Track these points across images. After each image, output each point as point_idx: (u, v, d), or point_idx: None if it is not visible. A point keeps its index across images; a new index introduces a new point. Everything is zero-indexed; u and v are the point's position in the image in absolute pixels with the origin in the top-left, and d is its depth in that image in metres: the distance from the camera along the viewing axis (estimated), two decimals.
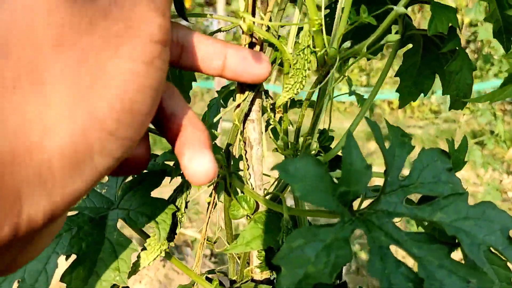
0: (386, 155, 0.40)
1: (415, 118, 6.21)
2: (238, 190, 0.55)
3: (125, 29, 0.28)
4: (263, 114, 0.56)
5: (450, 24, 0.49)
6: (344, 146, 0.36)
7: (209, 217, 0.59)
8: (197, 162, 0.33)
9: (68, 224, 0.49)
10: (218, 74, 0.42)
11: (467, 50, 5.27)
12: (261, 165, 0.57)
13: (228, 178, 0.54)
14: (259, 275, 0.58)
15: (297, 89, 0.41)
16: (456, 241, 0.37)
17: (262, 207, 0.55)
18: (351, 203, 0.37)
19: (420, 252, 0.36)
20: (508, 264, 0.52)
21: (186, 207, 0.52)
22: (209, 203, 0.57)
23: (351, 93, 0.69)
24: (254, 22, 0.43)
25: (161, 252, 0.50)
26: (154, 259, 0.50)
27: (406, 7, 0.48)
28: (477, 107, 4.43)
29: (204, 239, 0.61)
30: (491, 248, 0.40)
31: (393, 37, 0.40)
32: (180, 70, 0.56)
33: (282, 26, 0.54)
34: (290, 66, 0.48)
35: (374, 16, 0.45)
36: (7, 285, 0.45)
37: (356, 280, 2.66)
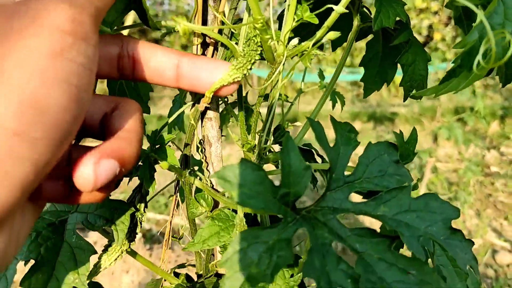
0: (330, 153, 0.41)
1: (399, 97, 6.23)
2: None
3: (30, 23, 0.27)
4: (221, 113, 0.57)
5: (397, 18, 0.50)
6: (282, 149, 0.37)
7: (172, 216, 0.60)
8: (81, 168, 0.31)
9: None
10: (174, 84, 0.41)
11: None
12: (221, 162, 0.58)
13: (186, 177, 0.54)
14: (223, 269, 0.59)
15: (235, 77, 0.41)
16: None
17: (222, 205, 0.56)
18: (293, 203, 0.38)
19: (362, 246, 0.37)
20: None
21: (146, 206, 0.53)
22: (171, 196, 0.58)
23: (320, 73, 0.70)
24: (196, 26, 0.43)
25: (122, 253, 0.51)
26: (115, 260, 0.51)
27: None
28: None
29: (169, 236, 0.62)
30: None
31: (332, 35, 0.41)
32: (135, 84, 0.57)
33: (235, 23, 0.54)
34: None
35: (321, 13, 0.46)
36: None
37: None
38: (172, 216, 0.59)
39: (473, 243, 0.42)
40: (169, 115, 0.59)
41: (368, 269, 0.35)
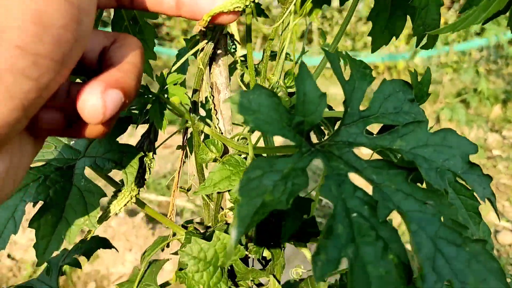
0: (345, 86, 0.40)
1: None
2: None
3: None
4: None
5: None
6: (297, 75, 0.36)
7: (181, 164, 0.59)
8: (88, 97, 0.30)
9: (35, 174, 0.48)
10: (174, 13, 0.40)
11: None
12: (229, 110, 0.57)
13: (195, 123, 0.53)
14: (232, 218, 0.59)
15: (236, 6, 0.40)
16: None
17: (232, 151, 0.56)
18: (307, 133, 0.37)
19: (378, 178, 0.36)
20: (475, 194, 0.52)
21: (154, 152, 0.52)
22: (179, 146, 0.57)
23: (322, 34, 0.68)
24: None
25: (131, 198, 0.51)
26: (125, 205, 0.50)
27: None
28: (461, 65, 4.42)
29: (177, 186, 0.61)
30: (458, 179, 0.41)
31: None
32: (139, 27, 0.55)
33: None
34: None
35: None
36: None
37: None
38: (181, 165, 0.59)
39: (491, 178, 0.41)
40: (176, 60, 0.58)
41: (385, 197, 0.34)
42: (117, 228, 2.70)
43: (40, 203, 0.47)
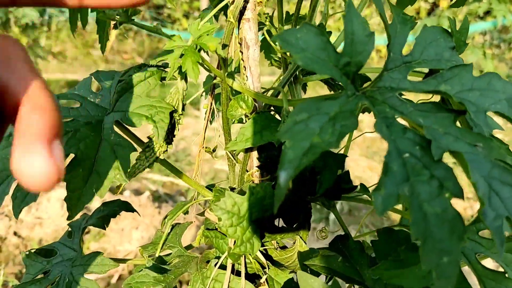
0: (389, 29, 0.39)
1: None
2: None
3: None
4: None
5: None
6: (345, 14, 0.35)
7: (207, 123, 0.58)
8: (26, 162, 0.22)
9: (63, 128, 0.47)
10: (76, 4, 0.30)
11: None
12: (258, 67, 0.56)
13: (224, 79, 0.52)
14: (258, 178, 0.58)
15: None
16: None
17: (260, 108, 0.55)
18: (353, 75, 0.36)
19: (426, 121, 0.35)
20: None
21: (183, 109, 0.51)
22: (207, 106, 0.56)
23: None
24: None
25: (159, 155, 0.50)
26: (154, 161, 0.50)
27: None
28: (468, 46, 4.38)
29: (202, 146, 0.60)
30: None
31: None
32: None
33: None
34: None
35: None
36: (5, 186, 0.44)
37: (348, 220, 2.70)
38: (206, 123, 0.58)
39: None
40: (203, 15, 0.56)
41: (436, 138, 0.33)
42: None
43: (70, 157, 0.46)
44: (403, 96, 0.38)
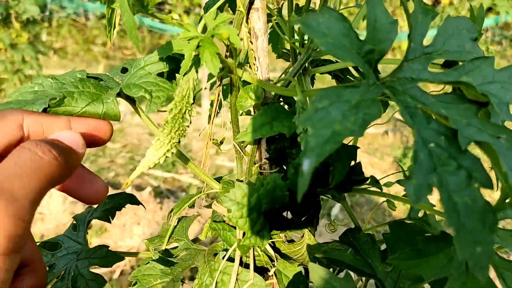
0: (410, 18, 0.38)
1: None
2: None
3: None
4: None
5: None
6: (368, 0, 0.34)
7: (214, 114, 0.57)
8: None
9: None
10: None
11: None
12: (267, 57, 0.55)
13: (235, 69, 0.51)
14: (267, 171, 0.57)
15: None
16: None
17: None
18: (376, 63, 0.35)
19: (448, 112, 0.34)
20: None
21: (193, 101, 0.50)
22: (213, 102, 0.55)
23: None
24: None
25: (171, 147, 0.48)
26: (164, 154, 0.48)
27: None
28: None
29: (210, 138, 0.59)
30: None
31: None
32: None
33: None
34: None
35: None
36: None
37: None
38: (214, 113, 0.57)
39: None
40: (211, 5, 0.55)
41: (460, 129, 0.32)
42: None
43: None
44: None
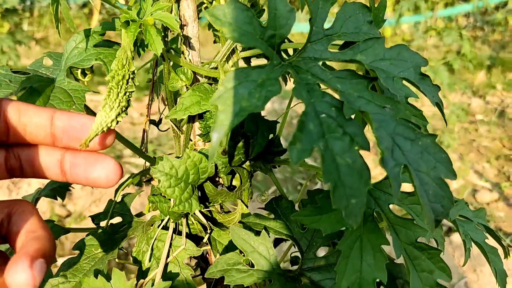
0: (312, 6, 0.43)
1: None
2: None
3: None
4: None
5: None
6: None
7: (151, 94, 0.61)
8: (14, 276, 0.31)
9: None
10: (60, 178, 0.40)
11: None
12: (197, 42, 0.59)
13: (165, 54, 0.55)
14: (201, 147, 0.62)
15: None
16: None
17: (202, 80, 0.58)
18: (278, 46, 0.40)
19: (342, 86, 0.40)
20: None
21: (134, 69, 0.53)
22: (150, 80, 0.59)
23: None
24: None
25: (122, 111, 0.51)
26: (116, 118, 0.51)
27: None
28: (447, 31, 4.44)
29: (148, 119, 0.63)
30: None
31: None
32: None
33: None
34: None
35: None
36: None
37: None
38: (151, 96, 0.61)
39: (439, 88, 0.46)
40: None
41: (350, 101, 0.38)
42: None
43: None
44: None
